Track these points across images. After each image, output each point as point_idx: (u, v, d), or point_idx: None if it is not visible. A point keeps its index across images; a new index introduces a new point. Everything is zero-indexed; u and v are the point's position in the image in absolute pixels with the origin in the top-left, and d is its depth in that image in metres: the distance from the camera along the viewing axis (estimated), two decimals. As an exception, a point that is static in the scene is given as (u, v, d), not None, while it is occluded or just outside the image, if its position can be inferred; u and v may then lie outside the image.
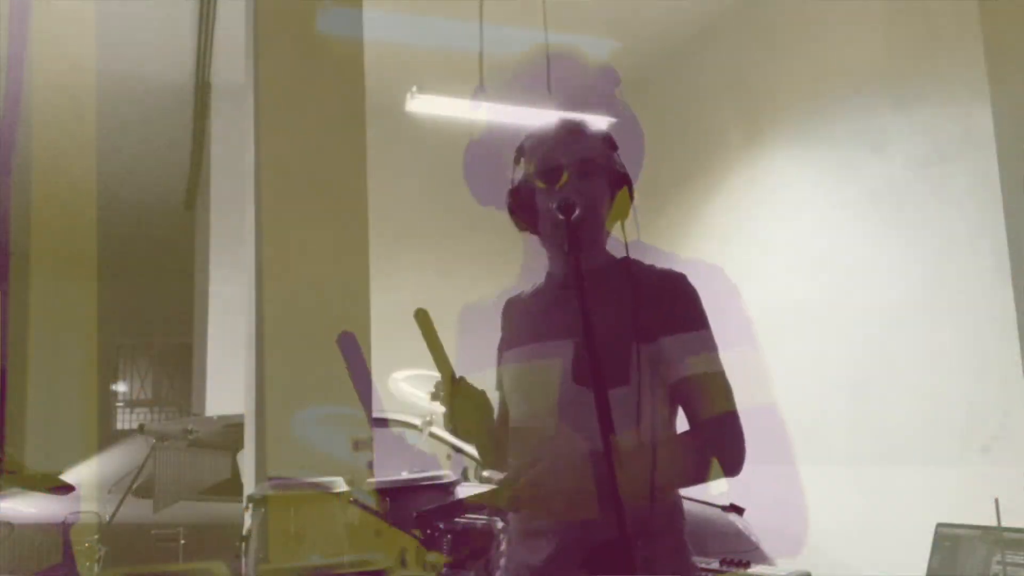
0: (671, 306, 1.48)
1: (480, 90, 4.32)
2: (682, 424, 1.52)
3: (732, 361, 1.49)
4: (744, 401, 1.47)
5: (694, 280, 1.52)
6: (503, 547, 1.60)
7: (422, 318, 1.50)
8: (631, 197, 1.56)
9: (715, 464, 1.45)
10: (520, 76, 4.55)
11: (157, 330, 10.28)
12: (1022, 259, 3.53)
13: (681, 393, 1.47)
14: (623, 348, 1.43)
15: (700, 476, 1.47)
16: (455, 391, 1.53)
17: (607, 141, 1.59)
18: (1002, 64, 3.65)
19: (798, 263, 4.70)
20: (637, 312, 1.44)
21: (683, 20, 5.47)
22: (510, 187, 1.60)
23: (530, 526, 1.50)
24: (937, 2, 3.89)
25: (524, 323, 1.62)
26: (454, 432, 1.58)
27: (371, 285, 3.48)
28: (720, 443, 1.45)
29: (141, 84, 5.86)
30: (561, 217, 1.38)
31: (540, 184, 1.54)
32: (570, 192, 1.48)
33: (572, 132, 1.57)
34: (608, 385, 1.26)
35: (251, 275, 3.40)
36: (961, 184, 3.79)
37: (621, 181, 1.56)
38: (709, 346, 1.47)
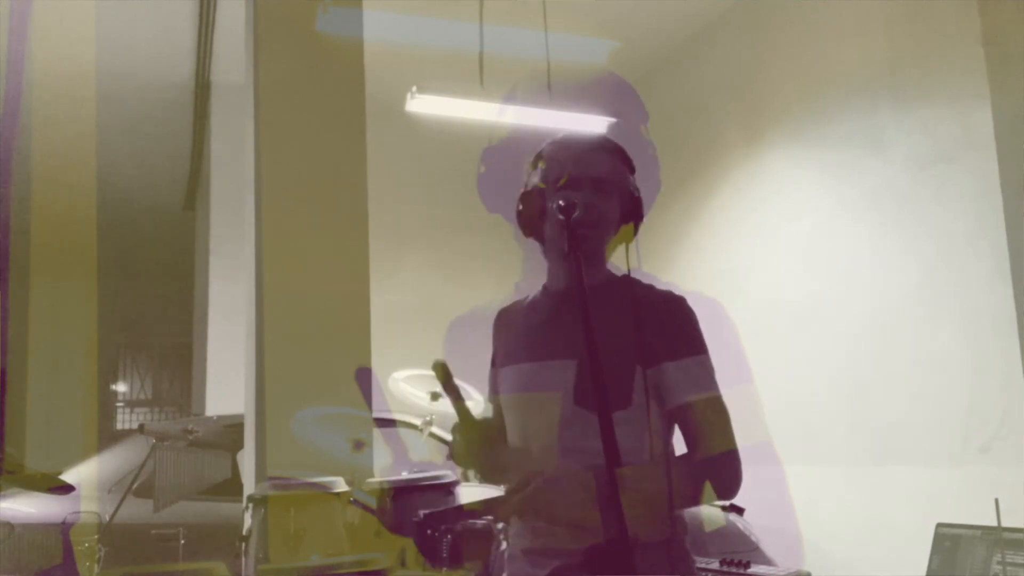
0: (672, 329, 1.46)
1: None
2: (678, 444, 1.52)
3: (728, 398, 1.49)
4: (741, 435, 1.47)
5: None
6: (503, 549, 1.60)
7: (440, 370, 1.47)
8: (640, 220, 1.55)
9: (710, 487, 1.46)
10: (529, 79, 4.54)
11: (157, 330, 10.29)
12: (1022, 259, 3.53)
13: (680, 417, 1.46)
14: (623, 369, 1.43)
15: (696, 500, 1.49)
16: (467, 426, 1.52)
17: (624, 160, 1.58)
18: (1002, 64, 3.65)
19: (798, 263, 4.70)
20: (639, 333, 1.43)
21: (683, 20, 5.47)
22: (522, 191, 1.59)
23: (532, 545, 1.49)
24: (937, 2, 3.89)
25: (520, 337, 1.59)
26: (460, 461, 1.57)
27: (371, 285, 3.47)
28: (718, 472, 1.46)
29: (141, 84, 5.86)
30: (561, 217, 1.38)
31: (544, 186, 1.54)
32: (574, 196, 1.48)
33: (591, 148, 1.56)
34: (611, 407, 1.25)
35: (251, 275, 3.40)
36: (961, 184, 3.78)
37: (632, 203, 1.55)
38: (708, 371, 1.47)
